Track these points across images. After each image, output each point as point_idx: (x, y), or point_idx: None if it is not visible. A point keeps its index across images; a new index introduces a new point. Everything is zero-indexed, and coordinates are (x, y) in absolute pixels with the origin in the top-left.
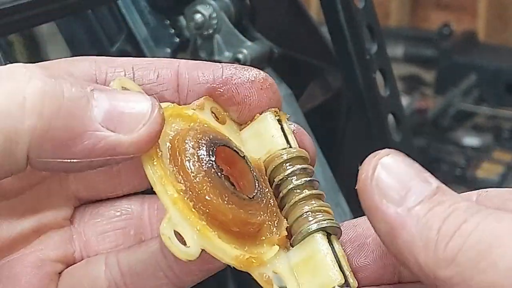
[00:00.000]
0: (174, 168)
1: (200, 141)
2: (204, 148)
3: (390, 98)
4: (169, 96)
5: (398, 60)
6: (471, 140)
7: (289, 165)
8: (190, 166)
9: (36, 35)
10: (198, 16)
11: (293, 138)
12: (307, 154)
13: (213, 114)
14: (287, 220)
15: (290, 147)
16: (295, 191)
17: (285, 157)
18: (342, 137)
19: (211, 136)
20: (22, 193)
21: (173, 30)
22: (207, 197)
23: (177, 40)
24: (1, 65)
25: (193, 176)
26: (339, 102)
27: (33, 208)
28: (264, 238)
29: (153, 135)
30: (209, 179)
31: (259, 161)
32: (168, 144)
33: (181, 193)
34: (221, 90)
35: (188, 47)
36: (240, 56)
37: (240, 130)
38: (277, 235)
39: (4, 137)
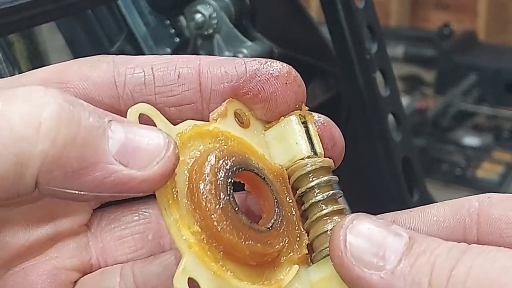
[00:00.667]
0: (191, 206)
1: (218, 173)
2: (222, 182)
3: (390, 98)
4: (191, 96)
5: (398, 60)
6: (471, 140)
7: (313, 177)
8: (206, 203)
9: (36, 35)
10: (198, 16)
11: (318, 142)
12: (331, 163)
13: (237, 119)
14: (308, 234)
15: (315, 153)
16: (317, 205)
17: (308, 168)
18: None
19: (231, 161)
20: (38, 200)
21: (173, 30)
22: (224, 236)
23: (177, 40)
24: (1, 64)
25: (210, 214)
26: (339, 102)
27: (50, 214)
28: (284, 258)
29: (167, 173)
30: (226, 217)
31: (282, 169)
32: (186, 174)
33: (197, 235)
34: (246, 89)
35: (188, 47)
36: (240, 56)
37: (265, 130)
38: (298, 253)
39: (16, 159)
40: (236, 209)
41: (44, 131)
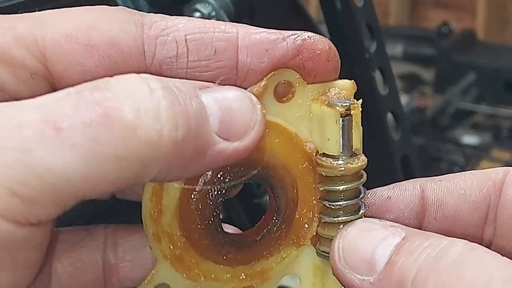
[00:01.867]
0: (177, 216)
1: (210, 191)
2: (211, 202)
3: (389, 96)
4: (226, 73)
5: (397, 59)
6: (470, 139)
7: (341, 181)
8: (191, 220)
9: None
10: (197, 15)
11: (358, 138)
12: (363, 165)
13: (276, 95)
14: (322, 231)
15: (350, 150)
16: (337, 210)
17: (336, 172)
18: None
19: (231, 175)
20: None
21: None
22: (204, 255)
23: None
24: None
25: (193, 231)
26: None
27: None
28: (282, 247)
29: (258, 139)
30: (208, 236)
31: (312, 154)
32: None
33: (175, 248)
34: (286, 67)
35: None
36: None
37: (312, 100)
38: (301, 241)
39: (143, 166)
40: (219, 229)
41: (166, 134)
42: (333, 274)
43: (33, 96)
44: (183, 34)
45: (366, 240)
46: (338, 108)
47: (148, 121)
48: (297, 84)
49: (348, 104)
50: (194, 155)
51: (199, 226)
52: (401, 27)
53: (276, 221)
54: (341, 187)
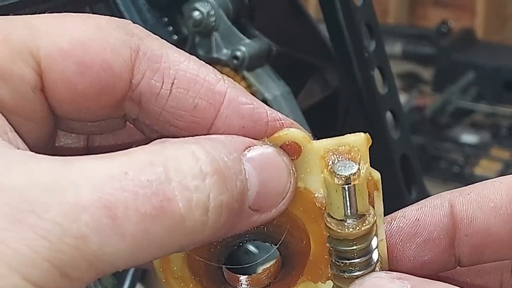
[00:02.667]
0: (186, 270)
1: (212, 248)
2: (212, 258)
3: (389, 95)
4: (196, 128)
5: (396, 58)
6: (469, 138)
7: (352, 243)
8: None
9: None
10: (196, 14)
11: (364, 200)
12: (365, 230)
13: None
14: (334, 281)
15: (356, 213)
16: (350, 266)
17: (339, 236)
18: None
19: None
20: None
21: (171, 28)
22: None
23: (175, 37)
24: None
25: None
26: (338, 100)
27: None
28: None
29: (286, 207)
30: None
31: (320, 209)
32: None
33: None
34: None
35: (186, 44)
36: (239, 53)
37: (321, 155)
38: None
39: (180, 248)
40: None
41: (210, 224)
42: None
43: (32, 112)
44: (173, 77)
45: None
46: (336, 179)
47: (197, 214)
48: (303, 143)
49: (348, 175)
50: (226, 232)
51: (207, 271)
52: (400, 26)
53: (286, 267)
54: (347, 248)
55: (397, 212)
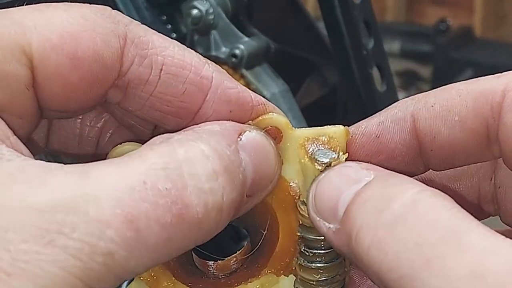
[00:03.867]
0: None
1: None
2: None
3: (387, 93)
4: (183, 114)
5: (394, 56)
6: None
7: (315, 233)
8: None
9: None
10: (195, 12)
11: None
12: None
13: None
14: (299, 271)
15: None
16: (317, 256)
17: (311, 223)
18: None
19: None
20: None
21: (170, 26)
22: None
23: (174, 35)
24: None
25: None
26: (336, 98)
27: None
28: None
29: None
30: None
31: (295, 196)
32: None
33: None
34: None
35: (185, 42)
36: (237, 51)
37: (301, 143)
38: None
39: (193, 245)
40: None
41: (222, 223)
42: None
43: (24, 109)
44: (161, 62)
45: (334, 187)
46: (317, 164)
47: (213, 215)
48: (285, 129)
49: (328, 160)
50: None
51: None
52: (398, 23)
53: (254, 255)
54: (317, 237)
55: (358, 124)
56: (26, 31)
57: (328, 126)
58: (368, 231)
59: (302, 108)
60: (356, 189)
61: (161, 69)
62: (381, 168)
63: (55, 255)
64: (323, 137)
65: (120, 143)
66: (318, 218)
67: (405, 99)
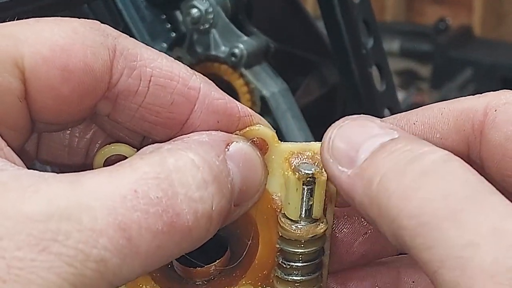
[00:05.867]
0: None
1: None
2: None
3: (386, 92)
4: (171, 124)
5: (394, 55)
6: None
7: (299, 245)
8: None
9: None
10: (194, 11)
11: (320, 205)
12: (317, 234)
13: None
14: (276, 284)
15: (310, 216)
16: (294, 270)
17: (295, 236)
18: None
19: None
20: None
21: (169, 25)
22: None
23: (174, 34)
24: None
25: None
26: (335, 97)
27: None
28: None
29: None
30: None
31: (277, 209)
32: None
33: None
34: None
35: (185, 42)
36: (237, 51)
37: (286, 157)
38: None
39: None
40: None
41: (211, 231)
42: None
43: (16, 121)
44: (150, 74)
45: (357, 134)
46: (299, 175)
47: (202, 223)
48: (271, 142)
49: (311, 172)
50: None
51: None
52: (398, 23)
53: (233, 265)
54: (296, 250)
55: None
56: (17, 44)
57: (313, 142)
58: (394, 177)
59: (301, 107)
60: (381, 141)
61: (149, 81)
62: (404, 131)
63: (50, 261)
64: (308, 152)
65: (106, 145)
66: (331, 160)
67: (387, 117)
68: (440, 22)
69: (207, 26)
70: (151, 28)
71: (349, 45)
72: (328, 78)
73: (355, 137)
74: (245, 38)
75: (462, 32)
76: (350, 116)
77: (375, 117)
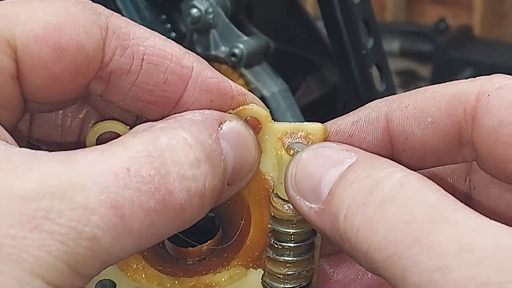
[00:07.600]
0: None
1: None
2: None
3: (386, 92)
4: (165, 103)
5: (394, 55)
6: None
7: (290, 225)
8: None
9: None
10: (194, 11)
11: None
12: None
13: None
14: (268, 265)
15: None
16: (286, 249)
17: (286, 216)
18: None
19: None
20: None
21: (169, 25)
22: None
23: (173, 34)
24: None
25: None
26: (336, 97)
27: None
28: (229, 267)
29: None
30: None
31: (268, 190)
32: None
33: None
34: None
35: (184, 42)
36: (237, 51)
37: (279, 137)
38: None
39: (175, 231)
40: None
41: (204, 208)
42: (289, 200)
43: (9, 99)
44: (142, 52)
45: (316, 167)
46: (291, 152)
47: (195, 202)
48: (264, 121)
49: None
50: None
51: None
52: (398, 23)
53: (224, 245)
54: (288, 230)
55: (332, 122)
56: (9, 23)
57: (307, 122)
58: (357, 211)
59: (301, 107)
60: (340, 171)
61: (142, 59)
62: (361, 150)
63: (42, 239)
64: (301, 132)
65: (99, 122)
66: (298, 197)
67: (379, 99)
68: (440, 22)
69: (207, 26)
70: (151, 28)
71: (349, 45)
72: (328, 78)
73: (315, 170)
74: (245, 38)
75: (462, 32)
76: (308, 147)
77: (332, 142)
